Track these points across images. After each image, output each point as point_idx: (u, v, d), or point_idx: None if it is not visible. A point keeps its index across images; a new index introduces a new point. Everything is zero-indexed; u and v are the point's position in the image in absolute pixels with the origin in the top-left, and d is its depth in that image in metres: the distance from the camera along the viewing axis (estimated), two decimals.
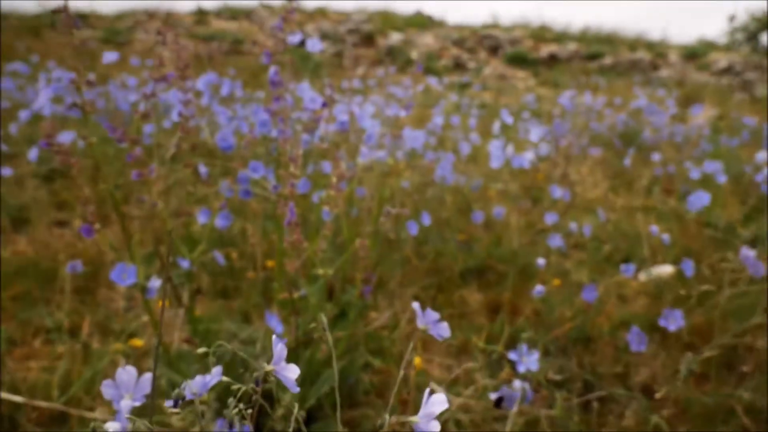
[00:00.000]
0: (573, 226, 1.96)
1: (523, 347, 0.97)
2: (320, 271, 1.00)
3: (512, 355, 0.97)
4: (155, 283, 1.09)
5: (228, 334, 1.49)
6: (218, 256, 1.50)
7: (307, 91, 1.50)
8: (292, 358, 1.19)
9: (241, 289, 1.98)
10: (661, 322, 1.21)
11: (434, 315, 0.56)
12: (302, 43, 1.56)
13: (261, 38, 10.35)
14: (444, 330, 0.56)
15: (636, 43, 11.13)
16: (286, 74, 1.33)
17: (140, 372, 0.54)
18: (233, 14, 11.82)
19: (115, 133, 1.02)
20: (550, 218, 1.94)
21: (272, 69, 1.28)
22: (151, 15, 11.39)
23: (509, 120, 2.46)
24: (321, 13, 11.92)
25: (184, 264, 1.22)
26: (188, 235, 1.14)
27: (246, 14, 11.80)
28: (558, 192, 2.05)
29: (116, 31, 9.53)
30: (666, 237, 1.68)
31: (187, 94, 1.02)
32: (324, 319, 0.64)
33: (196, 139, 1.84)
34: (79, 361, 1.59)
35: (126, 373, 0.52)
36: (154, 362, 0.48)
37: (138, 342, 1.61)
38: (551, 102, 6.75)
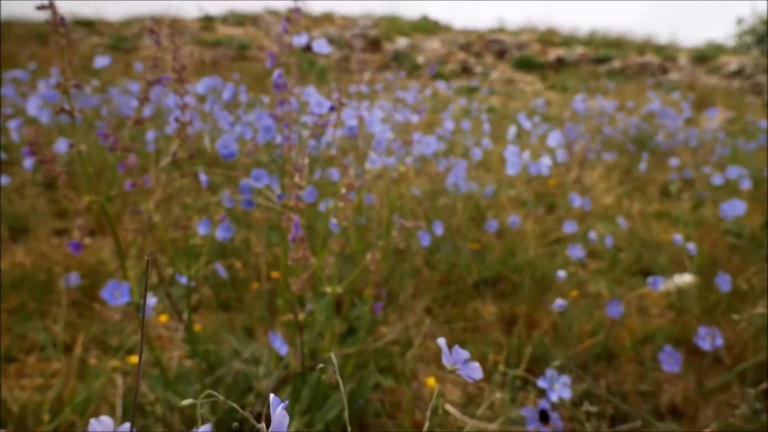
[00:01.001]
0: (592, 235, 1.87)
1: (552, 372, 0.89)
2: (328, 290, 0.92)
3: (542, 383, 0.88)
4: (151, 300, 1.01)
5: (230, 350, 1.41)
6: (220, 268, 1.42)
7: (313, 95, 1.42)
8: (298, 382, 1.11)
9: (245, 300, 1.91)
10: (698, 342, 1.12)
11: (463, 353, 0.48)
12: (308, 46, 1.49)
13: (267, 43, 10.33)
14: (476, 371, 0.48)
15: (644, 47, 11.03)
16: (292, 78, 1.25)
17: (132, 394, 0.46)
18: (239, 20, 11.82)
19: (107, 140, 0.95)
20: (569, 227, 1.85)
21: (276, 72, 1.20)
22: (157, 21, 11.40)
23: (527, 124, 2.36)
24: (327, 18, 11.90)
25: (183, 280, 1.14)
26: (186, 248, 1.06)
27: (252, 20, 11.81)
28: (578, 201, 1.95)
29: (122, 38, 9.52)
30: (692, 247, 1.58)
31: (184, 97, 0.95)
32: (334, 358, 0.55)
33: (198, 146, 1.76)
34: (75, 379, 1.51)
35: (100, 424, 0.44)
36: (133, 414, 0.39)
37: (136, 359, 1.53)
38: (560, 106, 6.65)
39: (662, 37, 13.90)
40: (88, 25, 10.46)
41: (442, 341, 0.48)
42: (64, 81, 0.90)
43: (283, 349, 1.01)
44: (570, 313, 1.69)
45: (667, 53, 10.45)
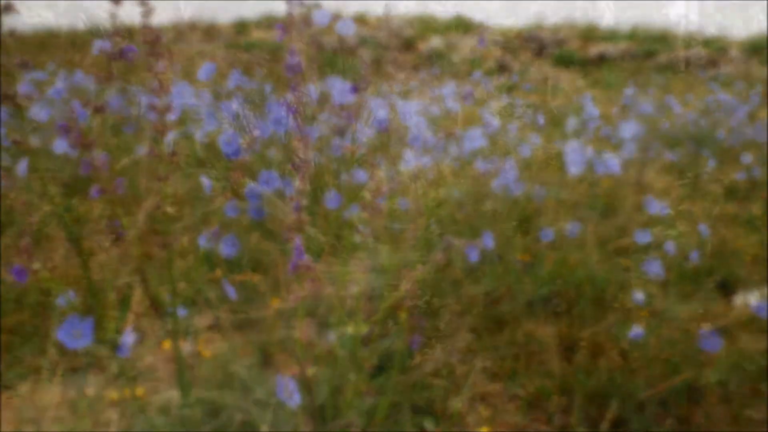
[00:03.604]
0: (669, 246, 1.60)
1: None
2: (349, 329, 0.69)
3: None
4: (129, 338, 0.80)
5: (239, 385, 1.19)
6: (230, 288, 1.21)
7: (337, 84, 1.20)
8: None
9: (266, 319, 1.69)
10: None
11: None
12: (340, 42, 1.28)
13: (300, 46, 10.24)
14: None
15: (692, 40, 10.52)
16: (309, 61, 1.03)
17: None
18: (273, 24, 11.81)
19: (69, 134, 0.74)
20: (642, 237, 1.58)
21: (290, 50, 0.98)
22: (192, 27, 11.49)
23: (594, 111, 2.09)
24: (360, 19, 11.77)
25: (182, 311, 0.93)
26: (171, 269, 0.85)
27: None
28: (655, 206, 1.68)
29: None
30: None
31: (161, 77, 0.73)
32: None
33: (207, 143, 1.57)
34: (68, 412, 1.32)
35: None
36: None
37: (139, 390, 1.33)
38: (605, 103, 6.29)
39: (711, 29, 13.26)
40: (127, 31, 10.59)
41: None
42: (5, 60, 0.69)
43: (291, 401, 0.78)
44: (643, 339, 1.42)
45: (716, 46, 9.94)
